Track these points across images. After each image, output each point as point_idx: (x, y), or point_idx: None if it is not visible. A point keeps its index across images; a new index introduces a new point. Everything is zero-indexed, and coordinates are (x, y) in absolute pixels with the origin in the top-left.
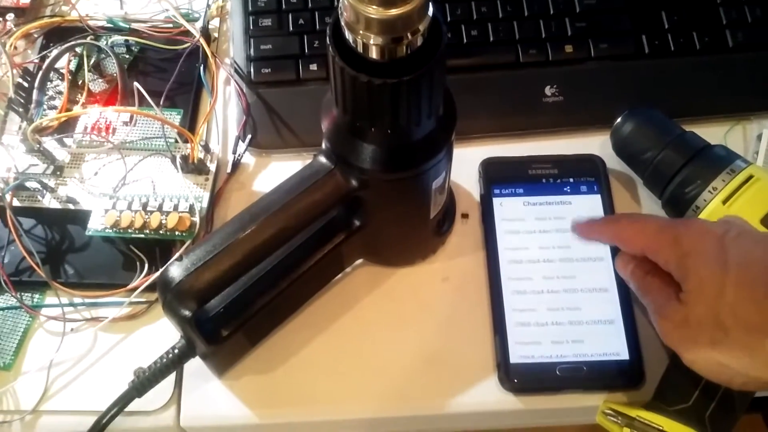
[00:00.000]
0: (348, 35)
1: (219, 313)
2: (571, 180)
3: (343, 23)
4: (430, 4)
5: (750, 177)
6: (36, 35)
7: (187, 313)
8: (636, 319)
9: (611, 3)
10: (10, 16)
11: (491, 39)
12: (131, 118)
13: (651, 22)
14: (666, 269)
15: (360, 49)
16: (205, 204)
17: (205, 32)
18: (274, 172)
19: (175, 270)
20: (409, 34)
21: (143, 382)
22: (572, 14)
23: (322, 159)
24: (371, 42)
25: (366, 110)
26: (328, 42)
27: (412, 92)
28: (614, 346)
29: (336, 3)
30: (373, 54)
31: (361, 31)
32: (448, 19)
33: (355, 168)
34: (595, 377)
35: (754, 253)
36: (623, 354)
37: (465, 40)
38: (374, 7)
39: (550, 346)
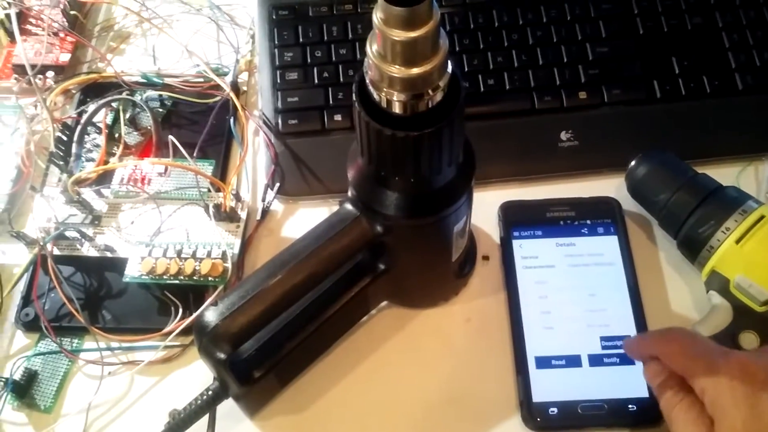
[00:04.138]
0: (373, 92)
1: (251, 355)
2: (588, 222)
3: (368, 81)
4: (449, 61)
5: (762, 217)
6: (74, 91)
7: (222, 355)
8: None
9: (623, 50)
10: (50, 73)
11: (507, 87)
12: (166, 169)
13: (662, 68)
14: (700, 398)
15: (384, 104)
16: (236, 250)
17: (235, 86)
18: (302, 218)
19: (211, 315)
20: (429, 91)
21: (178, 424)
22: (585, 62)
23: (348, 206)
24: (394, 98)
25: (390, 161)
26: (354, 98)
27: (433, 143)
28: (634, 385)
29: (358, 57)
30: (396, 109)
31: (384, 89)
32: (466, 69)
33: (380, 214)
34: (616, 415)
35: None
36: (643, 392)
37: (482, 89)
38: (397, 66)
39: (572, 385)
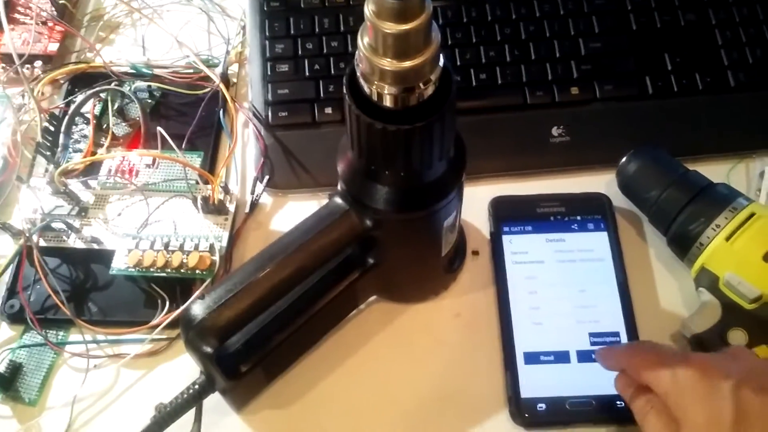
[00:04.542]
0: (363, 85)
1: (238, 349)
2: (579, 218)
3: (359, 74)
4: (441, 55)
5: (752, 214)
6: (62, 81)
7: (208, 349)
8: None
9: (616, 46)
10: (38, 63)
11: (499, 82)
12: (154, 160)
13: (654, 64)
14: (666, 403)
15: (375, 98)
16: (224, 243)
17: (225, 77)
18: (291, 211)
19: (198, 308)
20: (421, 84)
21: (164, 417)
22: (578, 57)
23: (338, 200)
24: (385, 92)
25: (380, 154)
26: (344, 91)
27: (424, 137)
28: None
29: (350, 50)
30: (387, 102)
31: (375, 82)
32: (458, 63)
33: (370, 209)
34: (604, 411)
35: (753, 405)
36: None
37: (474, 83)
38: (388, 59)
39: (560, 381)
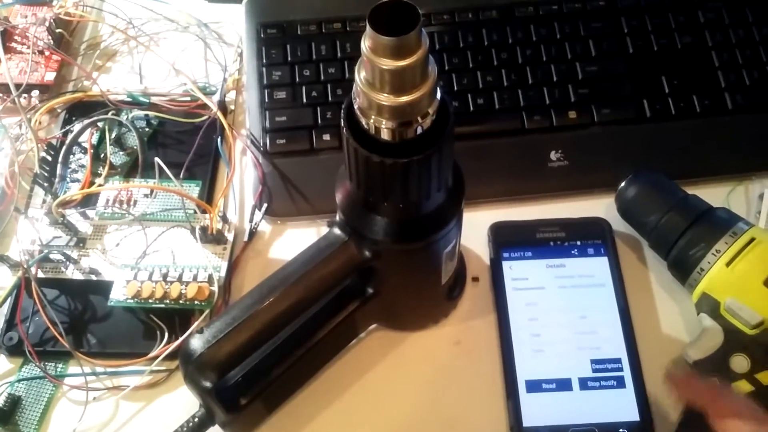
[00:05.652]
0: (361, 118)
1: (237, 382)
2: (579, 242)
3: (356, 107)
4: (438, 88)
5: (752, 239)
6: (59, 110)
7: (208, 384)
8: (645, 383)
9: (613, 69)
10: (35, 92)
11: (497, 107)
12: (152, 190)
13: (652, 87)
14: None
15: (372, 131)
16: (223, 273)
17: (222, 105)
18: (290, 239)
19: (196, 342)
20: (418, 118)
21: None
22: (575, 81)
23: (337, 231)
24: (383, 125)
25: (378, 186)
26: (342, 124)
27: (422, 170)
28: (625, 409)
29: (347, 76)
30: (385, 136)
31: (373, 116)
32: (455, 88)
33: (369, 239)
34: None
35: None
36: (634, 416)
37: (472, 109)
38: (385, 94)
39: (562, 409)
